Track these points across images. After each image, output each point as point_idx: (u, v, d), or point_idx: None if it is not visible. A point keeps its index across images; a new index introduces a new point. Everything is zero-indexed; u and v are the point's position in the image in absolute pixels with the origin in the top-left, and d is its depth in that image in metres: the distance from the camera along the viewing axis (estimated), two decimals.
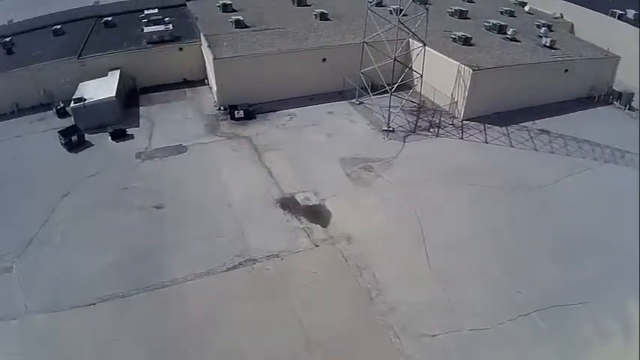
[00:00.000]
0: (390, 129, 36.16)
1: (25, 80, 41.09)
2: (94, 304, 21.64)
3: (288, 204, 27.94)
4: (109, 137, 35.46)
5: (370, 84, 38.89)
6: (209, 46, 40.26)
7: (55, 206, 28.38)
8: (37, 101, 41.70)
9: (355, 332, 20.22)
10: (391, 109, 36.27)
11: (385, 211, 27.37)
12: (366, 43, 38.03)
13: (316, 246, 24.55)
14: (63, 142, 34.21)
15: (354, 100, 40.74)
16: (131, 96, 42.51)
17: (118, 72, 41.35)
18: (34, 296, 22.34)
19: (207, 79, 44.56)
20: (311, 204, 27.88)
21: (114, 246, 25.03)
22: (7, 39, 49.51)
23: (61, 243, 25.67)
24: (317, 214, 26.95)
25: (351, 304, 21.53)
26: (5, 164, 33.23)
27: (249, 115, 38.22)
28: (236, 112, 37.94)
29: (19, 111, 41.27)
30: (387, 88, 36.28)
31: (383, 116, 37.31)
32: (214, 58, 38.35)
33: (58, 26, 49.81)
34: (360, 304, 21.45)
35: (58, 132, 34.69)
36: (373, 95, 38.48)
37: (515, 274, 23.04)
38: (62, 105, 39.05)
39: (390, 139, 35.16)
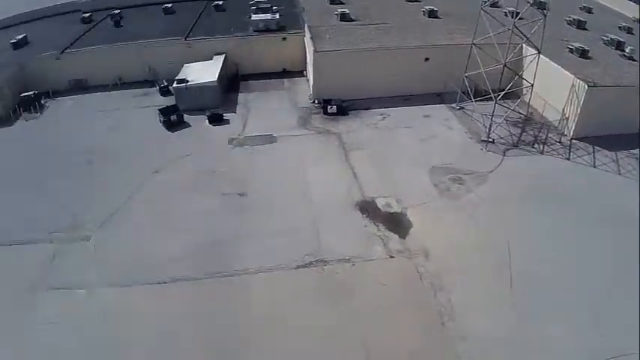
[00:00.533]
0: (490, 140, 33.46)
1: (131, 55, 44.08)
2: (165, 282, 22.46)
3: (368, 208, 26.94)
4: (206, 120, 36.80)
5: (474, 89, 36.23)
6: (312, 38, 40.12)
7: (144, 182, 30.06)
8: (142, 77, 44.62)
9: (419, 358, 18.82)
10: (494, 118, 33.51)
11: (471, 230, 25.26)
12: (475, 44, 35.46)
13: (391, 257, 23.33)
14: (162, 120, 36.20)
15: (453, 105, 38.35)
16: (232, 82, 43.81)
17: (222, 57, 42.82)
18: (106, 268, 23.62)
19: (305, 70, 44.60)
20: (392, 211, 26.62)
21: (192, 228, 25.83)
22: (117, 11, 53.59)
23: (142, 219, 27.01)
24: (396, 223, 25.64)
25: (419, 326, 20.11)
26: (103, 135, 36.00)
27: (342, 110, 37.56)
28: (329, 106, 37.47)
29: (122, 84, 44.58)
30: (492, 95, 33.49)
31: (484, 125, 34.63)
32: (315, 51, 38.13)
33: (169, 5, 52.84)
34: (429, 328, 19.96)
35: (159, 110, 36.81)
36: (476, 101, 35.88)
37: (602, 315, 20.13)
38: (166, 84, 41.32)
39: (489, 151, 32.51)
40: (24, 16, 62.82)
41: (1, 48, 50.81)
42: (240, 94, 41.93)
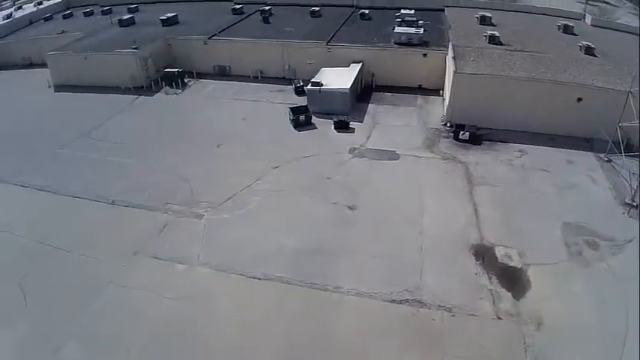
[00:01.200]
0: (634, 204, 28.45)
1: (274, 52, 45.77)
2: (259, 279, 22.58)
3: (484, 255, 24.28)
4: (332, 126, 36.69)
5: (625, 141, 31.32)
6: (454, 58, 37.97)
7: (262, 175, 30.77)
8: (281, 74, 46.23)
9: None
10: None
11: (596, 307, 21.26)
12: (631, 93, 30.61)
13: (498, 318, 20.60)
14: (291, 117, 36.91)
15: (602, 155, 33.42)
16: (365, 91, 43.31)
17: (359, 65, 42.49)
18: (209, 250, 24.58)
19: (442, 90, 42.45)
20: (510, 264, 23.65)
21: (297, 232, 25.72)
22: (267, 7, 55.92)
23: (253, 211, 27.62)
24: (513, 280, 22.66)
25: None
26: (234, 122, 37.90)
27: (475, 139, 34.90)
28: (461, 132, 35.05)
29: (262, 78, 46.41)
30: None
31: (630, 185, 29.60)
32: (455, 72, 35.97)
33: (317, 8, 53.90)
34: None
35: (290, 108, 37.57)
36: (626, 156, 30.95)
37: None
38: (301, 84, 42.12)
39: (630, 217, 27.55)
40: None
41: (151, 22, 56.30)
42: (370, 104, 41.24)
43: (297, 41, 45.81)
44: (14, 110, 44.55)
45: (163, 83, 45.68)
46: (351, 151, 33.87)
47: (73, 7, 79.08)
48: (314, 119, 37.51)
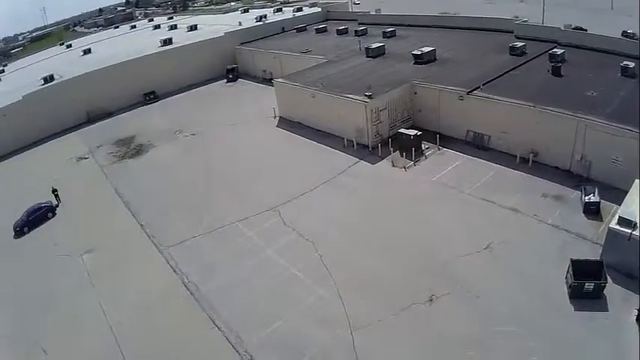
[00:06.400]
0: None
1: (562, 128, 29.94)
2: None
3: None
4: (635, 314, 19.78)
5: None
6: None
7: None
8: (566, 164, 30.42)
9: None
10: None
11: None
12: None
13: None
14: (570, 281, 20.97)
15: None
16: None
17: None
18: None
19: None
20: None
21: None
22: (559, 51, 39.09)
23: None
24: None
25: None
26: (473, 245, 23.72)
27: None
28: None
29: (533, 163, 31.42)
30: None
31: None
32: None
33: (630, 64, 34.64)
34: None
35: (571, 261, 21.10)
36: None
37: None
38: (596, 199, 25.78)
39: None
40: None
41: (402, 55, 46.42)
42: None
43: (602, 122, 28.69)
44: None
45: (392, 148, 34.98)
46: None
47: (331, 20, 75.58)
48: (608, 284, 21.06)
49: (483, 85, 35.59)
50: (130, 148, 45.57)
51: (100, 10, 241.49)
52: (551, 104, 30.91)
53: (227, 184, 34.91)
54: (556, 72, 36.89)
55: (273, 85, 46.96)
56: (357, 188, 31.65)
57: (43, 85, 55.60)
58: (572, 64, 38.31)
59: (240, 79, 63.05)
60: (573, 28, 54.60)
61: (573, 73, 36.62)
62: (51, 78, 56.87)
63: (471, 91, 34.96)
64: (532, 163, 31.30)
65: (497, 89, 34.85)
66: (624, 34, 53.99)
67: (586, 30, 50.76)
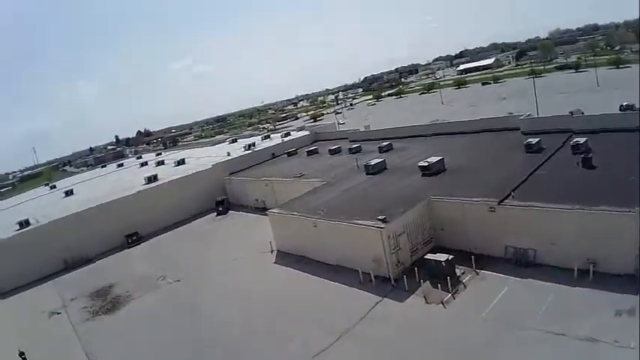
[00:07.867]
0: None
1: (619, 228, 24.02)
2: None
3: None
4: None
5: None
6: None
7: None
8: (630, 269, 23.85)
9: None
10: None
11: None
12: None
13: None
14: None
15: None
16: None
17: None
18: None
19: None
20: None
21: None
22: (581, 140, 34.92)
23: None
24: None
25: None
26: None
27: None
28: None
29: (594, 276, 24.75)
30: None
31: None
32: None
33: None
34: None
35: None
36: None
37: None
38: None
39: None
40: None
41: (407, 167, 42.16)
42: None
43: None
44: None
45: (419, 278, 28.50)
46: None
47: (320, 142, 73.49)
48: None
49: (513, 191, 30.44)
50: (106, 302, 38.82)
51: (91, 149, 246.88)
52: (601, 202, 25.47)
53: (218, 347, 27.56)
54: (587, 164, 32.37)
55: (267, 215, 41.65)
56: (388, 341, 24.18)
57: (18, 230, 50.84)
58: (599, 151, 33.82)
59: (231, 211, 58.21)
60: (625, 108, 52.34)
61: (605, 161, 32.04)
62: (26, 223, 52.32)
63: (502, 201, 29.59)
64: (592, 276, 24.85)
65: (531, 194, 29.56)
66: (622, 108, 52.38)
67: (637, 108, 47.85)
